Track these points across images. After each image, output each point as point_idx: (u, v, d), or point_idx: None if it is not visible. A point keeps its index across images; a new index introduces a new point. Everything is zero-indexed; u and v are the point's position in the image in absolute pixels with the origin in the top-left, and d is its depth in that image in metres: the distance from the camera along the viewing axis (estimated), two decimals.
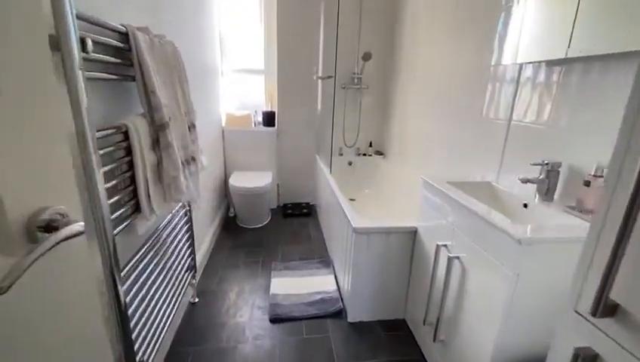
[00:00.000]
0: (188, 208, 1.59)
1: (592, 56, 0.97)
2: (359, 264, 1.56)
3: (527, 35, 1.22)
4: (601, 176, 0.98)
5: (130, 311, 1.02)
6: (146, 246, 1.16)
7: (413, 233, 1.54)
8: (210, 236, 2.34)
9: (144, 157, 1.01)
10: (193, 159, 1.35)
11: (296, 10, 2.75)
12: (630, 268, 0.45)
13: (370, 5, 2.78)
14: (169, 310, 1.31)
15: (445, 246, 1.25)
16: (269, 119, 2.97)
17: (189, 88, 1.43)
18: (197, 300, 1.79)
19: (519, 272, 0.88)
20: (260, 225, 2.76)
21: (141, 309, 1.08)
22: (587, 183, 1.00)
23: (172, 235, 1.40)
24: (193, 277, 1.72)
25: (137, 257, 1.09)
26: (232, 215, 2.93)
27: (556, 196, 1.16)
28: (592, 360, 0.50)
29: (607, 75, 0.99)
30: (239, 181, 2.64)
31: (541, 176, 1.16)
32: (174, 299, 1.38)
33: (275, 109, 2.99)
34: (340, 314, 1.72)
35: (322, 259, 2.22)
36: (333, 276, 2.01)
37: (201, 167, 1.73)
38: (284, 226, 2.78)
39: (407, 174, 2.46)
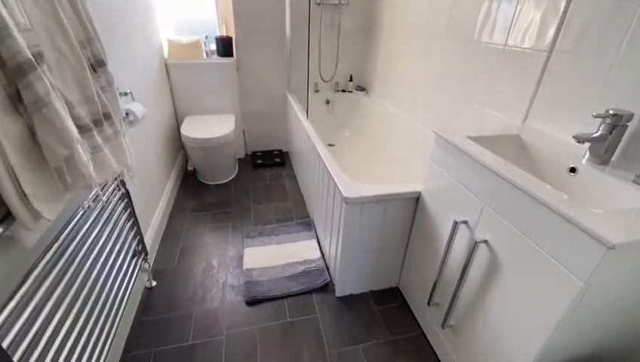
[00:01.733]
0: (121, 181, 1.17)
1: None
2: (350, 235, 1.29)
3: None
4: None
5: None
6: (46, 260, 0.78)
7: (416, 199, 1.26)
8: (166, 199, 1.95)
9: None
10: (107, 116, 0.90)
11: None
12: None
13: None
14: (109, 323, 0.99)
15: (466, 223, 0.98)
16: (225, 47, 2.36)
17: (88, 4, 0.88)
18: (154, 284, 1.48)
19: (593, 282, 0.63)
20: (227, 180, 2.38)
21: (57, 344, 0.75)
22: None
23: (99, 225, 1.01)
24: (145, 260, 1.38)
25: (30, 282, 0.71)
26: (191, 168, 2.50)
27: (615, 158, 0.88)
28: None
29: None
30: (194, 129, 2.15)
31: (599, 133, 0.86)
32: (115, 305, 1.05)
33: (232, 34, 2.36)
34: (326, 287, 1.50)
35: (302, 220, 1.94)
36: (315, 240, 1.75)
37: (131, 122, 1.26)
38: (255, 179, 2.42)
39: (396, 114, 2.10)
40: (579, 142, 0.86)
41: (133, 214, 1.25)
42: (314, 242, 1.74)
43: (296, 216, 1.99)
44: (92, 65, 0.88)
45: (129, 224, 1.23)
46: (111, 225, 1.08)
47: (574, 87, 0.99)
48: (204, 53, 2.39)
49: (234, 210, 2.04)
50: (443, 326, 1.09)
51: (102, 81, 0.91)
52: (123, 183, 1.18)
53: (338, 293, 1.47)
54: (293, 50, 2.40)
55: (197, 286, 1.49)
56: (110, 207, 1.09)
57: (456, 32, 1.48)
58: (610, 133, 0.84)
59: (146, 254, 1.38)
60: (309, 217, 1.98)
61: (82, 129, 0.78)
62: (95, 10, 1.23)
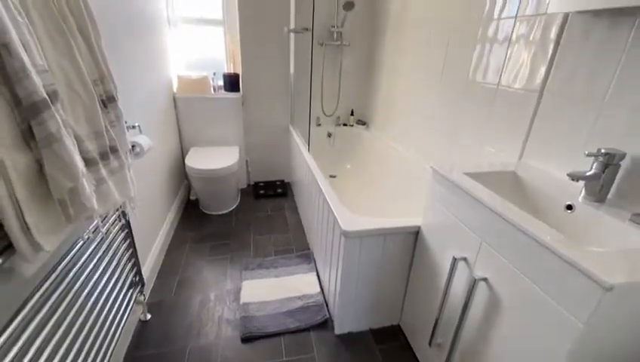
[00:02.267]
0: (122, 212, 1.18)
1: None
2: (349, 269, 1.27)
3: None
4: None
5: None
6: (42, 291, 0.78)
7: (415, 233, 1.25)
8: (167, 229, 1.95)
9: (4, 163, 0.59)
10: (114, 149, 0.93)
11: None
12: None
13: None
14: (99, 358, 0.96)
15: (465, 260, 0.97)
16: (232, 83, 2.47)
17: (103, 44, 0.95)
18: (149, 317, 1.45)
19: (592, 323, 0.61)
20: (228, 211, 2.39)
21: None
22: None
23: (97, 256, 1.01)
24: (141, 292, 1.36)
25: (25, 313, 0.71)
26: (193, 198, 2.52)
27: (610, 196, 0.89)
28: None
29: None
30: (198, 161, 2.20)
31: (593, 171, 0.87)
32: (107, 339, 1.02)
33: (239, 71, 2.49)
34: (325, 323, 1.46)
35: (302, 252, 1.92)
36: (315, 274, 1.72)
37: (137, 154, 1.30)
38: (257, 210, 2.43)
39: (395, 148, 2.15)
40: (573, 180, 0.87)
41: (132, 245, 1.25)
42: (313, 276, 1.71)
43: (296, 248, 1.97)
44: (103, 101, 0.93)
45: (127, 254, 1.23)
46: (109, 255, 1.08)
47: (566, 127, 1.02)
48: (212, 89, 2.50)
49: (234, 241, 2.03)
50: None
51: (111, 116, 0.95)
52: (124, 214, 1.19)
53: (337, 331, 1.42)
54: (297, 86, 2.51)
55: (192, 320, 1.45)
56: (110, 237, 1.10)
57: (452, 71, 1.55)
58: (604, 171, 0.85)
59: (143, 286, 1.36)
60: (308, 249, 1.96)
61: (89, 162, 0.80)
62: (111, 49, 1.32)
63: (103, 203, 0.86)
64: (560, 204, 0.94)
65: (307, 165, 1.88)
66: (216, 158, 2.23)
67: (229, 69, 2.59)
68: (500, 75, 1.26)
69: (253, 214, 2.36)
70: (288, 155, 2.79)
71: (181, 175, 2.46)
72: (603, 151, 0.85)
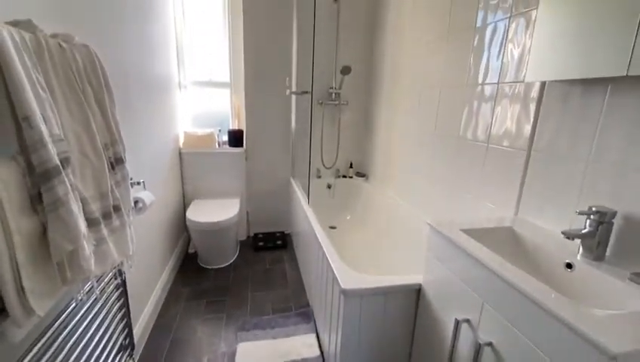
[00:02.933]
0: (118, 270, 1.17)
1: None
2: (350, 330, 1.21)
3: (560, 51, 0.95)
4: None
5: None
6: (31, 356, 0.74)
7: (417, 291, 1.22)
8: (162, 284, 1.90)
9: (9, 227, 0.62)
10: (117, 209, 0.96)
11: (265, 18, 2.42)
12: None
13: (348, 16, 2.52)
14: None
15: (468, 321, 0.93)
16: (236, 139, 2.59)
17: (116, 109, 1.03)
18: None
19: None
20: (226, 264, 2.34)
21: None
22: None
23: (88, 317, 0.98)
24: (130, 356, 1.29)
25: None
26: (192, 251, 2.49)
27: (608, 253, 0.89)
28: None
29: None
30: (199, 214, 2.22)
31: (587, 229, 0.88)
32: None
33: (243, 127, 2.62)
34: None
35: (301, 310, 1.84)
36: (314, 335, 1.63)
37: (139, 210, 1.33)
38: (255, 263, 2.38)
39: (394, 200, 2.17)
40: (568, 238, 0.88)
41: (125, 304, 1.22)
42: (312, 337, 1.62)
43: (295, 306, 1.90)
44: (111, 163, 0.98)
45: (120, 315, 1.19)
46: (101, 317, 1.05)
47: (557, 183, 1.05)
48: (217, 144, 2.61)
49: (230, 298, 1.96)
50: None
51: (118, 176, 0.99)
52: (120, 272, 1.18)
53: None
54: (298, 141, 2.63)
55: None
56: (103, 297, 1.07)
57: (445, 129, 1.63)
58: (597, 229, 0.86)
59: (133, 349, 1.30)
60: (308, 306, 1.89)
61: (91, 222, 0.82)
62: (124, 110, 1.42)
63: (101, 263, 0.86)
64: (559, 262, 0.93)
65: (307, 218, 1.89)
66: (217, 211, 2.25)
67: (233, 125, 2.73)
68: (489, 134, 1.33)
69: (251, 268, 2.31)
70: (289, 207, 2.82)
71: (181, 227, 2.46)
72: (594, 209, 0.87)
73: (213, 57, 2.64)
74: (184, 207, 2.52)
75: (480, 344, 0.85)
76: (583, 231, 0.88)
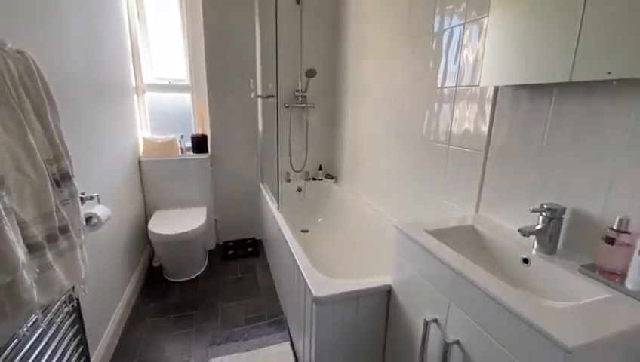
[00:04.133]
0: (69, 296, 1.07)
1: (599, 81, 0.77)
2: (323, 336, 1.20)
3: (505, 57, 1.00)
4: (627, 232, 0.77)
5: None
6: None
7: (387, 292, 1.24)
8: (124, 303, 1.78)
9: None
10: (65, 230, 0.88)
11: (226, 19, 2.35)
12: None
13: (311, 19, 2.51)
14: None
15: (436, 321, 0.96)
16: (199, 144, 2.50)
17: (61, 120, 0.94)
18: None
19: None
20: (194, 276, 2.25)
21: None
22: (610, 240, 0.79)
23: (35, 352, 0.89)
24: None
25: None
26: (156, 264, 2.36)
27: (559, 247, 0.95)
28: None
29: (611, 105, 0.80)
30: (162, 226, 2.11)
31: (540, 226, 0.93)
32: None
33: (207, 132, 2.53)
34: None
35: (274, 318, 1.81)
36: (289, 343, 1.61)
37: (93, 226, 1.24)
38: (225, 273, 2.31)
39: (364, 201, 2.20)
40: (524, 235, 0.93)
41: (80, 331, 1.13)
42: (286, 345, 1.60)
43: (268, 315, 1.86)
44: (56, 180, 0.89)
45: (75, 343, 1.10)
46: (51, 349, 0.96)
47: (512, 182, 1.10)
48: (180, 150, 2.50)
49: (200, 311, 1.88)
50: None
51: (64, 194, 0.91)
52: (71, 298, 1.08)
53: None
54: (265, 145, 2.58)
55: None
56: (53, 328, 0.98)
57: (408, 131, 1.67)
58: (549, 225, 0.92)
59: None
60: (282, 314, 1.86)
61: (33, 248, 0.75)
62: (74, 120, 1.31)
63: (47, 291, 0.78)
64: (517, 257, 0.98)
65: (277, 224, 1.86)
66: (182, 221, 2.16)
67: (196, 131, 2.63)
68: (449, 135, 1.37)
69: (221, 278, 2.24)
70: (259, 213, 2.76)
71: (144, 240, 2.32)
72: (545, 206, 0.92)
73: (172, 60, 2.53)
74: (146, 218, 2.39)
75: (448, 343, 0.87)
76: (537, 228, 0.93)
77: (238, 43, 2.41)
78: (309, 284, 1.20)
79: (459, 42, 1.30)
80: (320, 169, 2.87)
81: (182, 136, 2.54)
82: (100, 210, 1.34)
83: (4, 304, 0.65)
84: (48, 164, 0.87)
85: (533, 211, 0.94)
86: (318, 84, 2.62)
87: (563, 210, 0.91)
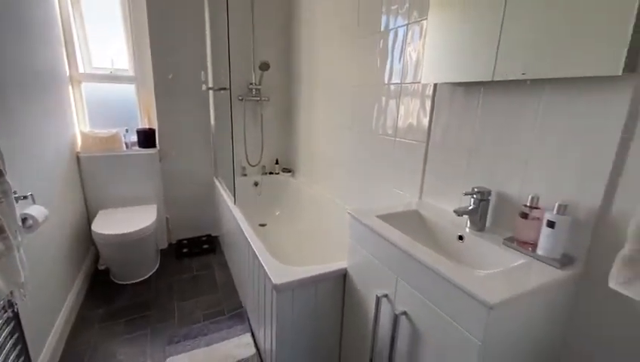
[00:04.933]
0: (8, 301, 0.99)
1: (517, 80, 0.91)
2: (284, 323, 1.25)
3: (442, 57, 1.12)
4: (537, 208, 0.92)
5: None
6: None
7: (343, 275, 1.32)
8: (68, 311, 1.65)
9: None
10: (0, 230, 0.81)
11: (172, 8, 2.24)
12: None
13: (264, 10, 2.49)
14: None
15: (386, 296, 1.05)
16: (147, 139, 2.37)
17: None
18: None
19: (487, 339, 0.73)
20: (146, 277, 2.15)
21: None
22: (524, 215, 0.94)
23: None
24: None
25: None
26: (102, 268, 2.21)
27: (488, 224, 1.09)
28: None
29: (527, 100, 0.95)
30: (108, 225, 1.98)
31: (472, 206, 1.07)
32: None
33: (155, 126, 2.41)
34: None
35: (234, 312, 1.81)
36: (250, 334, 1.63)
37: (29, 228, 1.14)
38: (180, 271, 2.24)
39: (320, 193, 2.27)
40: (459, 215, 1.06)
41: (21, 340, 1.04)
42: (248, 336, 1.62)
43: (227, 309, 1.86)
44: None
45: (15, 353, 1.01)
46: None
47: (450, 170, 1.24)
48: (124, 145, 2.35)
49: (154, 312, 1.82)
50: None
51: None
52: (10, 304, 1.00)
53: None
54: (219, 138, 2.53)
55: None
56: None
57: (359, 124, 1.77)
58: (479, 206, 1.06)
59: None
60: (242, 307, 1.86)
61: None
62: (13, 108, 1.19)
63: None
64: (454, 235, 1.11)
65: (234, 217, 1.85)
66: (130, 221, 2.04)
67: (142, 124, 2.49)
68: (396, 129, 1.49)
69: (176, 277, 2.17)
70: (214, 208, 2.70)
71: (86, 243, 2.16)
72: (475, 189, 1.06)
73: (114, 49, 2.35)
74: (88, 219, 2.22)
75: (396, 314, 0.97)
76: (469, 208, 1.07)
77: (187, 33, 2.32)
78: (268, 273, 1.23)
79: (403, 42, 1.40)
80: (277, 163, 2.88)
81: (127, 131, 2.38)
82: (36, 210, 1.24)
83: None
84: None
85: (466, 194, 1.07)
86: (273, 78, 2.62)
87: (489, 193, 1.06)
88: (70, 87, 2.15)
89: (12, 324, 1.00)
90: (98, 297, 1.93)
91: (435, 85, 1.27)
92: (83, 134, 2.21)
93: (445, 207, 1.26)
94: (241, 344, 1.57)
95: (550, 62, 0.81)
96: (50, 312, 1.49)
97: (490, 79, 0.95)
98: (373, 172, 1.69)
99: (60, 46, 2.01)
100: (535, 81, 0.92)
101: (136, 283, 2.08)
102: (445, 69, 1.11)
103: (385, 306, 1.06)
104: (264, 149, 2.76)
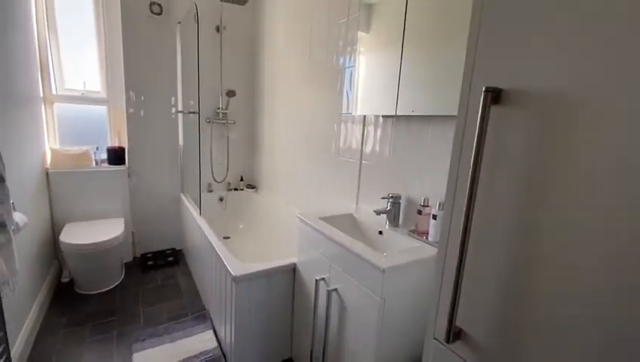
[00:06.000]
0: None
1: (412, 116, 1.27)
2: (242, 313, 1.47)
3: (369, 95, 1.48)
4: (428, 206, 1.26)
5: None
6: None
7: (293, 270, 1.58)
8: (33, 318, 1.73)
9: None
10: (2, 225, 0.99)
11: (146, 38, 2.49)
12: (466, 299, 0.59)
13: (231, 44, 2.81)
14: None
15: (323, 279, 1.33)
16: (116, 156, 2.52)
17: None
18: None
19: (385, 296, 1.02)
20: (110, 288, 2.24)
21: None
22: (419, 212, 1.28)
23: None
24: None
25: None
26: (66, 280, 2.27)
27: (400, 222, 1.42)
28: None
29: (424, 129, 1.31)
30: (75, 236, 2.09)
31: (388, 208, 1.40)
32: None
33: (125, 145, 2.58)
34: None
35: (197, 314, 1.98)
36: (212, 331, 1.81)
37: (15, 231, 1.30)
38: (145, 283, 2.35)
39: (280, 206, 2.53)
40: (378, 214, 1.38)
41: (2, 328, 1.17)
42: (210, 333, 1.80)
43: (191, 312, 2.02)
44: None
45: None
46: None
47: (374, 181, 1.57)
48: (94, 162, 2.48)
49: (120, 316, 1.94)
50: None
51: (0, 194, 1.02)
52: None
53: None
54: (186, 157, 2.74)
55: None
56: None
57: (314, 145, 2.09)
58: (393, 207, 1.39)
59: None
60: (204, 309, 2.03)
61: None
62: None
63: None
64: (376, 231, 1.43)
65: (199, 228, 2.05)
66: (97, 232, 2.17)
67: (113, 143, 2.64)
68: (339, 149, 1.82)
69: (141, 287, 2.29)
70: (180, 223, 2.85)
71: (51, 256, 2.23)
72: (390, 194, 1.39)
73: (86, 72, 2.53)
74: (53, 232, 2.30)
75: (329, 291, 1.24)
76: (387, 209, 1.39)
77: (159, 60, 2.57)
78: (228, 267, 1.46)
79: (350, 79, 1.75)
80: (241, 179, 3.12)
81: (97, 148, 2.52)
82: (18, 217, 1.38)
83: None
84: None
85: (383, 198, 1.40)
86: (238, 103, 2.91)
87: (400, 197, 1.39)
88: (43, 107, 2.29)
89: None
90: (63, 306, 2.00)
91: (364, 116, 1.62)
92: (53, 151, 2.32)
93: (371, 209, 1.58)
94: (204, 339, 1.74)
95: (432, 104, 1.18)
96: (15, 321, 1.58)
97: (393, 114, 1.31)
98: (326, 185, 2.00)
99: (36, 69, 2.17)
100: (421, 117, 1.28)
101: (101, 293, 2.17)
102: (367, 104, 1.47)
103: (322, 287, 1.33)
104: (230, 167, 2.99)
